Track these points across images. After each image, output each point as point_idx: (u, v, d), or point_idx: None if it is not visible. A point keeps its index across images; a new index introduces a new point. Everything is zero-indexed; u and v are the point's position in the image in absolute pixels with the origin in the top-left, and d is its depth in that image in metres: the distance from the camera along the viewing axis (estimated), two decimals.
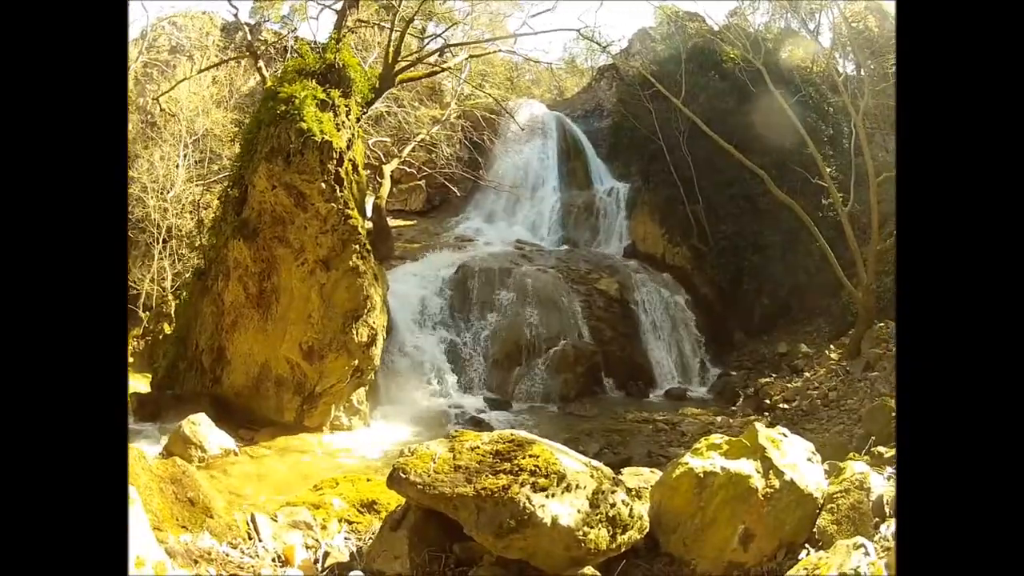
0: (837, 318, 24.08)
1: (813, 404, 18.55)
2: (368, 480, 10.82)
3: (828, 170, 23.35)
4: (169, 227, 28.64)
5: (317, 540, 8.55)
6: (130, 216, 28.67)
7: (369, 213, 28.17)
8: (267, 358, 17.11)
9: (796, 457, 7.19)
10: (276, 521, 9.53)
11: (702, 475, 6.75)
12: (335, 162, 15.99)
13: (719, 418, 18.56)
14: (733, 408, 20.00)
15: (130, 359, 26.21)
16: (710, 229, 26.82)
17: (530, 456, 5.93)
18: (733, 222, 26.58)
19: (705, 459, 6.97)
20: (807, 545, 6.63)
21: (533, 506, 5.49)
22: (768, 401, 19.62)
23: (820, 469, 7.41)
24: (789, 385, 20.44)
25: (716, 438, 7.32)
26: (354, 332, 16.35)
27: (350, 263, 16.23)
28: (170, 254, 28.66)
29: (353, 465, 15.30)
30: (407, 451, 6.84)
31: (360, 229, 16.59)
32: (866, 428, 15.00)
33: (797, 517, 6.74)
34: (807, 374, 20.97)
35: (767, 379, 21.22)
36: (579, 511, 5.75)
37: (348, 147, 17.01)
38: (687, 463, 6.95)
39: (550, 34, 62.14)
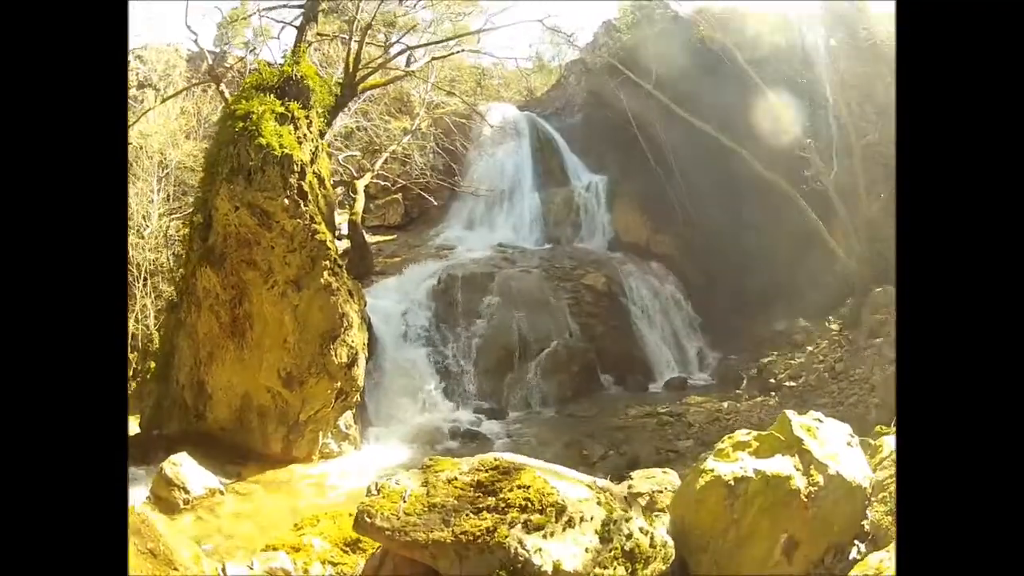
0: (831, 290, 22.93)
1: (821, 378, 17.59)
2: (351, 515, 9.63)
3: (808, 141, 22.34)
4: (148, 263, 27.46)
5: None
6: None
7: (345, 230, 27.06)
8: (247, 388, 15.99)
9: (836, 445, 6.09)
10: (251, 569, 8.53)
11: (732, 483, 5.54)
12: (297, 175, 14.86)
13: (725, 403, 17.45)
14: (738, 391, 18.92)
15: None
16: (694, 213, 25.75)
17: (519, 487, 4.69)
18: (716, 203, 25.42)
19: (733, 462, 5.76)
20: (856, 542, 5.71)
21: (527, 551, 4.27)
22: (773, 380, 18.59)
23: (861, 454, 6.30)
24: (793, 361, 19.38)
25: (742, 435, 6.11)
26: (333, 353, 15.21)
27: (322, 280, 15.09)
28: (152, 291, 27.44)
29: (344, 494, 14.28)
30: (373, 488, 5.65)
31: (329, 244, 15.44)
32: (882, 397, 14.06)
33: (846, 514, 5.72)
34: (809, 348, 19.92)
35: (769, 358, 20.07)
36: (587, 550, 4.52)
37: (312, 160, 15.90)
38: (712, 470, 5.72)
39: (514, 30, 59.38)
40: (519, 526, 4.44)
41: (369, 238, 28.42)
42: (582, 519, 4.66)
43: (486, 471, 5.05)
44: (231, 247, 15.11)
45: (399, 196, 32.04)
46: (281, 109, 15.39)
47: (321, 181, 16.24)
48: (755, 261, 24.52)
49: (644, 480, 10.86)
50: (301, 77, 16.22)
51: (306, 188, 14.98)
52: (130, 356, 26.36)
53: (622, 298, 23.34)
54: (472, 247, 27.98)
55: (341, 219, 29.05)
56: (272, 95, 15.70)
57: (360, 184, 26.21)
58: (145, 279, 27.58)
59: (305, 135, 15.81)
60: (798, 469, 5.63)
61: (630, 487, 10.75)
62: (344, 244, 27.51)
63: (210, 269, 15.28)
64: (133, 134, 27.70)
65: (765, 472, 5.53)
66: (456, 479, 5.11)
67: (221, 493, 14.09)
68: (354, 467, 15.69)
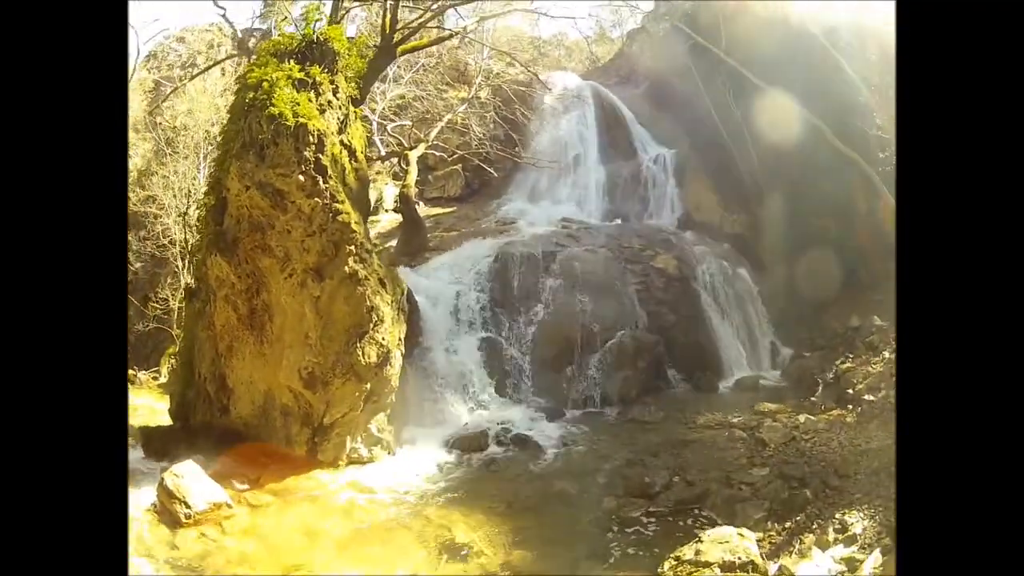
0: None
1: None
2: None
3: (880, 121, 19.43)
4: (189, 241, 25.76)
5: None
6: (152, 233, 26.73)
7: (396, 204, 24.68)
8: (269, 386, 13.88)
9: None
10: None
11: None
12: (314, 148, 12.35)
13: (802, 417, 14.54)
14: (813, 399, 16.09)
15: (164, 379, 23.97)
16: (767, 191, 22.60)
17: None
18: (790, 182, 22.16)
19: None
20: None
21: None
22: (851, 391, 15.63)
23: None
24: (871, 370, 16.32)
25: None
26: (360, 352, 12.87)
27: (346, 269, 12.73)
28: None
29: (366, 520, 12.03)
30: None
31: (355, 226, 12.95)
32: None
33: None
34: (886, 354, 16.78)
35: (846, 362, 17.10)
36: None
37: (341, 130, 13.44)
38: None
39: None
40: None
41: (426, 211, 26.34)
42: None
43: None
44: (243, 231, 12.83)
45: (459, 167, 29.53)
46: (300, 74, 12.93)
47: (352, 153, 13.77)
48: (829, 246, 21.23)
49: (715, 545, 8.22)
50: (324, 40, 13.69)
51: (325, 162, 12.47)
52: (175, 334, 24.92)
53: (694, 283, 20.41)
54: (534, 221, 25.24)
55: (394, 192, 26.78)
56: (291, 60, 13.27)
57: (413, 155, 23.70)
58: (190, 259, 26.05)
59: (330, 102, 13.31)
60: None
61: (698, 553, 8.11)
62: (396, 217, 25.21)
63: (220, 257, 13.03)
64: (176, 112, 27.59)
65: None
66: None
67: (228, 507, 12.04)
68: (383, 478, 13.35)
